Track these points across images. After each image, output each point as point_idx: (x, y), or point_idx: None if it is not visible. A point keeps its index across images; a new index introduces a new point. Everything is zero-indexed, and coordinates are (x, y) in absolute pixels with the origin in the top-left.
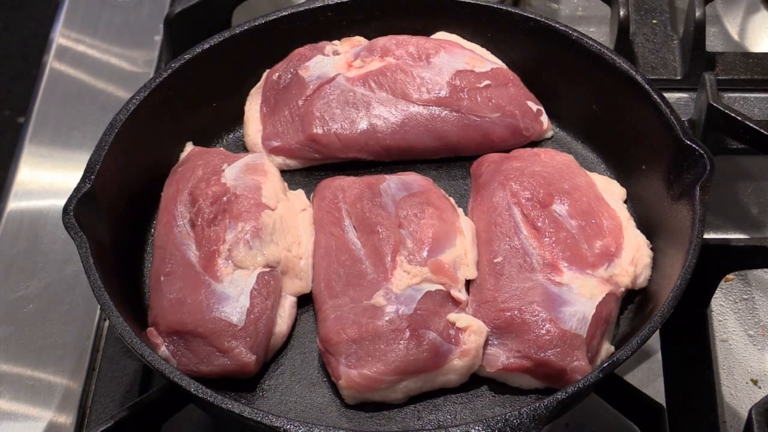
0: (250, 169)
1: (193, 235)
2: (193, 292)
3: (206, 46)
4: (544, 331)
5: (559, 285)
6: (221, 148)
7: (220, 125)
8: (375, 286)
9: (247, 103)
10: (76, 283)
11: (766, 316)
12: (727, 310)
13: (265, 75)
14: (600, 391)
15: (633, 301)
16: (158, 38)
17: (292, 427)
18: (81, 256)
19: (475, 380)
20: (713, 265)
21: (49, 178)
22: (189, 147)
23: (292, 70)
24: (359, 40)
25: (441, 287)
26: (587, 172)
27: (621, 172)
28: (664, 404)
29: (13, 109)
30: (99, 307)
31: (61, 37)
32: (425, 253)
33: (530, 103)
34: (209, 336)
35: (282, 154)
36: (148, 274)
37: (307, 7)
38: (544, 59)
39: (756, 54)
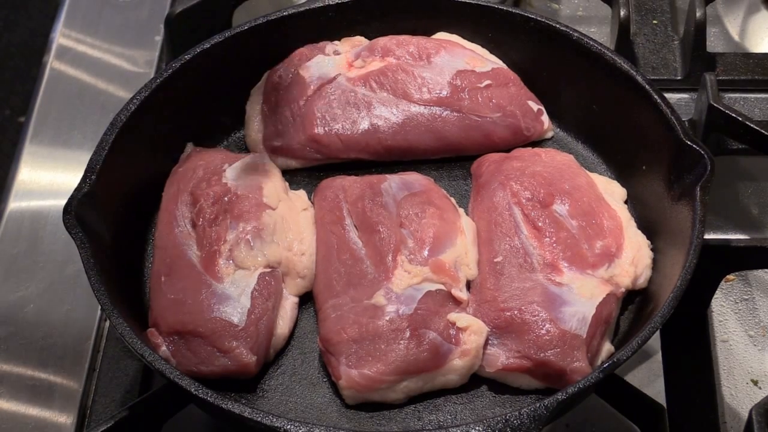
0: (251, 169)
1: (194, 235)
2: (194, 292)
3: (207, 46)
4: (544, 331)
5: (559, 285)
6: (222, 148)
7: (221, 125)
8: (376, 285)
9: (248, 103)
10: (76, 283)
11: (766, 317)
12: (728, 311)
13: (266, 75)
14: (600, 391)
15: (633, 302)
16: (159, 38)
17: (292, 427)
18: (81, 256)
19: (476, 380)
20: (713, 266)
21: (49, 178)
22: (189, 147)
23: (293, 70)
24: (360, 40)
25: (441, 287)
26: (588, 172)
27: (621, 172)
28: (665, 405)
29: (14, 108)
30: (99, 307)
31: (61, 37)
32: (426, 253)
33: (531, 103)
34: (210, 336)
35: (283, 154)
36: (149, 274)
37: (308, 8)
38: (545, 59)
39: (756, 54)
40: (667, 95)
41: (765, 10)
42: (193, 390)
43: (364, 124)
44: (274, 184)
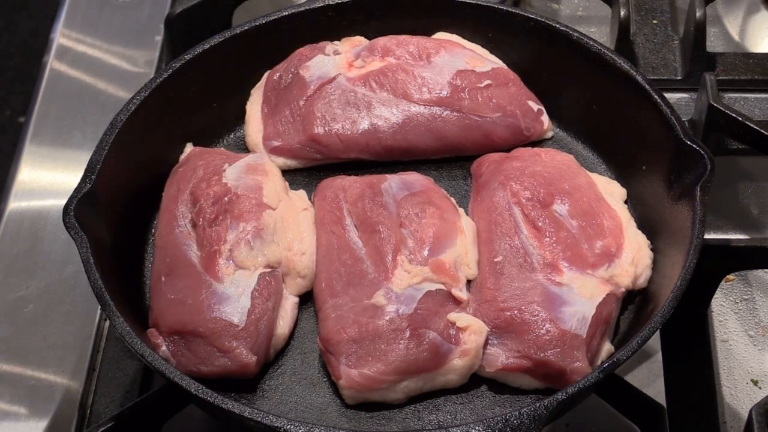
0: (251, 169)
1: (194, 235)
2: (194, 292)
3: (207, 46)
4: (543, 331)
5: (559, 285)
6: (222, 148)
7: (221, 125)
8: (376, 285)
9: (248, 103)
10: (76, 283)
11: (766, 317)
12: (728, 311)
13: (266, 75)
14: (600, 391)
15: (633, 302)
16: (159, 38)
17: (292, 427)
18: (81, 256)
19: (475, 380)
20: (713, 266)
21: (49, 177)
22: (189, 148)
23: (293, 70)
24: (360, 40)
25: (441, 287)
26: (588, 172)
27: (621, 172)
28: (665, 405)
29: (14, 109)
30: (99, 307)
31: (61, 37)
32: (426, 253)
33: (531, 103)
34: (210, 336)
35: (283, 154)
36: (149, 274)
37: (308, 8)
38: (545, 59)
39: (756, 54)
40: (667, 95)
41: (765, 10)
42: (193, 390)
43: (364, 124)
44: (274, 184)
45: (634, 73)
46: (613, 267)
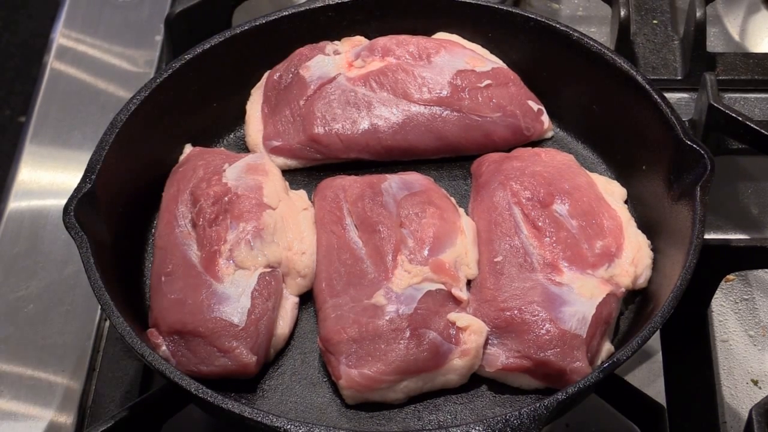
0: (251, 168)
1: (195, 235)
2: (194, 292)
3: (207, 46)
4: (543, 331)
5: (559, 285)
6: (222, 148)
7: (221, 125)
8: (376, 285)
9: (248, 103)
10: (76, 283)
11: (766, 317)
12: (728, 311)
13: (266, 75)
14: (600, 391)
15: (633, 302)
16: (159, 38)
17: (292, 427)
18: (81, 256)
19: (475, 380)
20: (713, 266)
21: (49, 177)
22: (188, 149)
23: (293, 70)
24: (360, 40)
25: (442, 286)
26: (588, 172)
27: (621, 172)
28: (665, 405)
29: (14, 108)
30: (99, 307)
31: (61, 37)
32: (426, 253)
33: (531, 103)
34: (210, 336)
35: (283, 154)
36: (149, 274)
37: (308, 8)
38: (545, 59)
39: (756, 54)
40: (667, 95)
41: (765, 10)
42: (193, 390)
43: (364, 124)
44: (274, 184)
45: (634, 73)
46: (613, 267)
